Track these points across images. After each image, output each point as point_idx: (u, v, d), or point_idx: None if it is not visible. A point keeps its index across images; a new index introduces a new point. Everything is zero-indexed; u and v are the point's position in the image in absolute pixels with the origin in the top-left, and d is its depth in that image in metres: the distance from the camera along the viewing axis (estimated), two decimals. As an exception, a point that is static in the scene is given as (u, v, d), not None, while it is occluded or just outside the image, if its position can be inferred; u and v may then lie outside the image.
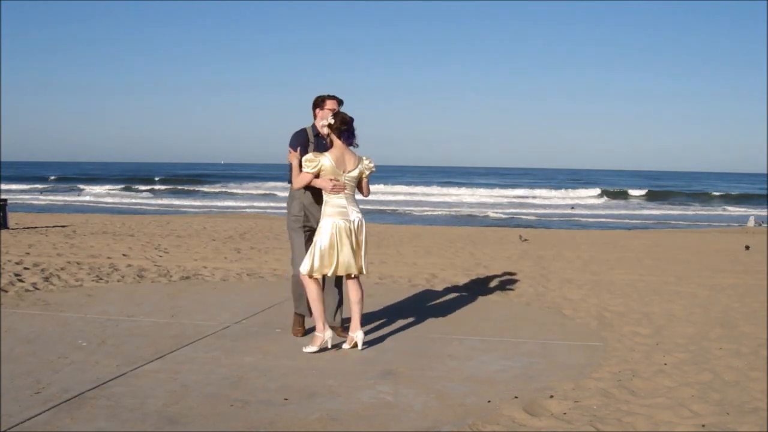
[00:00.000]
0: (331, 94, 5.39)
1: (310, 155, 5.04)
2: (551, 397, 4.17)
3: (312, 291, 5.06)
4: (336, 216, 5.03)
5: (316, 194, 5.25)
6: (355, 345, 5.17)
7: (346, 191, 5.07)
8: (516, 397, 4.14)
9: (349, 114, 5.10)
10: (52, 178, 61.95)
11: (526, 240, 14.64)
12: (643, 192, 49.82)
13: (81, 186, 50.12)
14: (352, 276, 5.16)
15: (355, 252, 5.08)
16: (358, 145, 5.15)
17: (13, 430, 3.49)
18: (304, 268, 5.05)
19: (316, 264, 5.00)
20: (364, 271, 5.20)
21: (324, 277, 5.22)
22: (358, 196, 5.28)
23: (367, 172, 5.18)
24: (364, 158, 5.17)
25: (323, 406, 3.95)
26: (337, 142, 5.06)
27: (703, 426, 3.68)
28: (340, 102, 5.35)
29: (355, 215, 5.09)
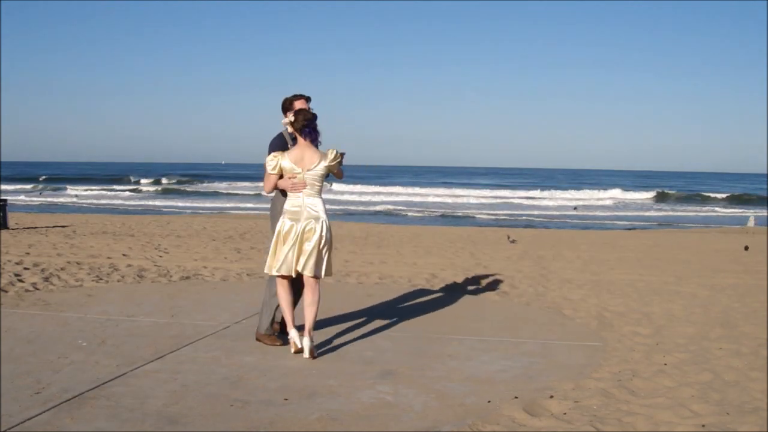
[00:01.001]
0: (298, 93, 5.28)
1: (270, 155, 4.99)
2: (551, 397, 4.16)
3: (279, 291, 5.05)
4: (287, 215, 4.96)
5: None
6: (300, 351, 4.91)
7: (306, 190, 4.95)
8: (516, 397, 4.13)
9: (315, 111, 5.03)
10: (43, 178, 61.25)
11: (514, 241, 14.57)
12: (643, 193, 49.78)
13: (72, 186, 49.82)
14: (312, 276, 4.95)
15: (301, 253, 4.88)
16: (320, 143, 5.05)
17: (13, 430, 3.49)
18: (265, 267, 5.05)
19: (268, 262, 5.00)
20: (314, 273, 4.93)
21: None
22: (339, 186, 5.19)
23: (335, 163, 5.00)
24: (328, 152, 5.00)
25: (323, 406, 3.95)
26: (300, 140, 4.98)
27: (703, 426, 3.68)
28: (307, 99, 5.26)
29: (308, 218, 4.91)
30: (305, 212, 4.93)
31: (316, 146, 5.02)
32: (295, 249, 4.90)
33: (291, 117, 5.01)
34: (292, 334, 4.98)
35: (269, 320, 5.34)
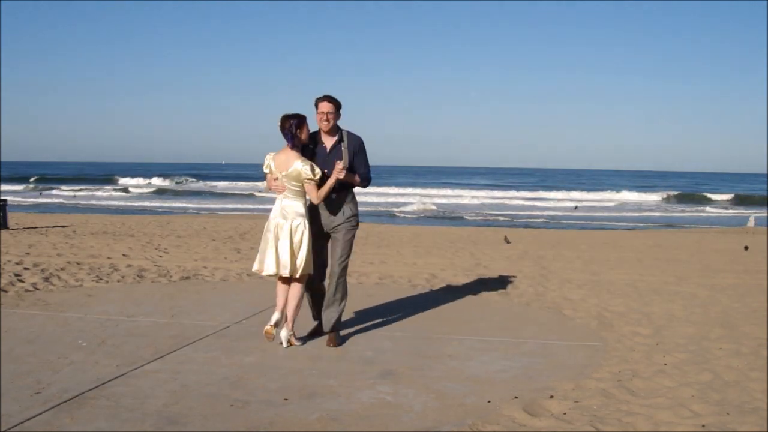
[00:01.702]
0: (328, 94, 5.25)
1: (266, 155, 5.24)
2: (551, 397, 4.16)
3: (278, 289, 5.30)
4: (270, 215, 5.23)
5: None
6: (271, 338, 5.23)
7: (285, 192, 5.13)
8: (516, 397, 4.14)
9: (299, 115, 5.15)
10: (34, 178, 60.12)
11: (509, 242, 14.53)
12: (643, 193, 49.77)
13: (69, 187, 49.51)
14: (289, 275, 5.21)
15: (278, 252, 5.10)
16: (295, 147, 5.11)
17: (13, 430, 3.49)
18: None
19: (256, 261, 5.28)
20: (287, 272, 5.14)
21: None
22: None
23: (303, 176, 5.06)
24: (307, 163, 5.08)
25: (323, 406, 3.95)
26: (286, 144, 5.17)
27: (703, 426, 3.68)
28: (331, 100, 5.21)
29: (280, 219, 5.11)
30: (280, 213, 5.14)
31: (296, 150, 5.13)
32: (272, 249, 5.12)
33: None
34: (283, 333, 5.20)
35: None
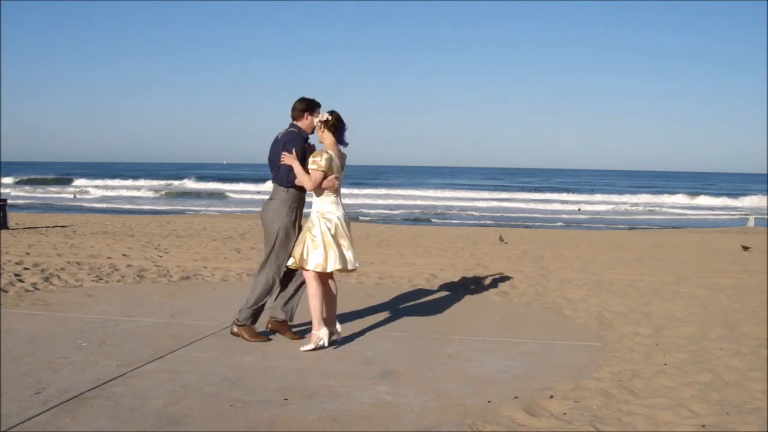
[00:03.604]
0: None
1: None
2: (551, 397, 4.16)
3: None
4: (334, 214, 5.23)
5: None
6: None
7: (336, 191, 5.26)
8: (516, 397, 4.14)
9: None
10: (15, 180, 59.12)
11: (506, 243, 14.49)
12: (643, 194, 49.75)
13: (68, 187, 49.20)
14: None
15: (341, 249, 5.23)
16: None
17: (13, 430, 3.49)
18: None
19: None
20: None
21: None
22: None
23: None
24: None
25: (323, 406, 3.95)
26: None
27: (703, 426, 3.68)
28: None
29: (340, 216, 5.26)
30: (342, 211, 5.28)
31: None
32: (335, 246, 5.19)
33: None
34: (324, 332, 5.19)
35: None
